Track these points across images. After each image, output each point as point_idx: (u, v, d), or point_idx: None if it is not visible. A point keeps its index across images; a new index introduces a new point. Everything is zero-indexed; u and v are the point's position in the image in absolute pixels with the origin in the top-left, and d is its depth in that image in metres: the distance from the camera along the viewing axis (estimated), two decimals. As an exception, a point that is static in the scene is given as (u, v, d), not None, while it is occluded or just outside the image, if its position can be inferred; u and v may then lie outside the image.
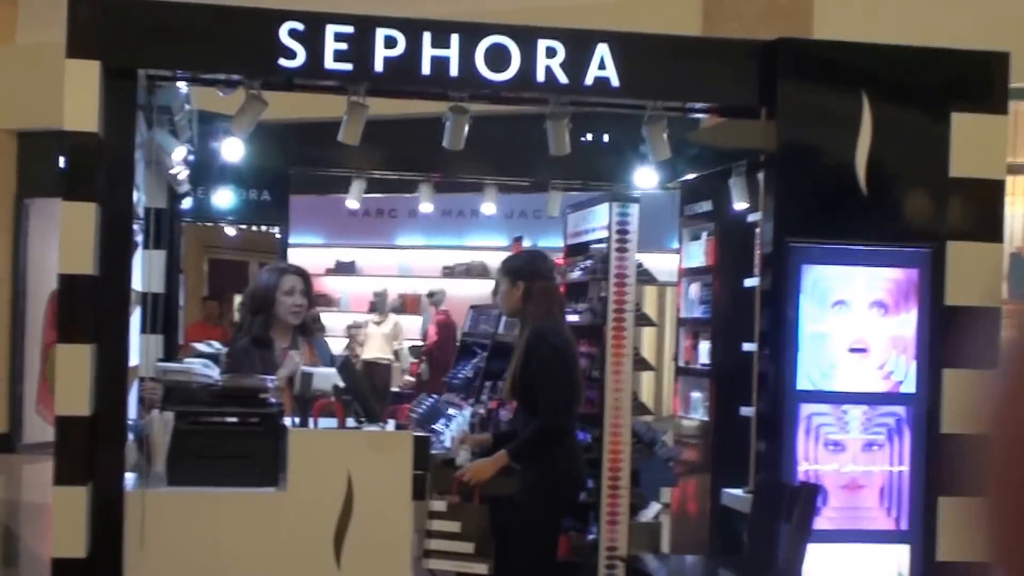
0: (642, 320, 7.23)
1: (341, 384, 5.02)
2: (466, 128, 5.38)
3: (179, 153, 6.21)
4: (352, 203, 8.40)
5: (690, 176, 7.28)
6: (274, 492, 4.81)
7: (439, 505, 5.35)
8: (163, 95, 5.66)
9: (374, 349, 14.10)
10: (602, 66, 5.18)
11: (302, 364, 5.39)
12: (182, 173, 6.90)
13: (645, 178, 7.40)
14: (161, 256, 7.38)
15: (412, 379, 13.69)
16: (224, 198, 8.25)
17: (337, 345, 14.56)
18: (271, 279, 5.65)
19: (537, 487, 5.35)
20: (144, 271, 5.54)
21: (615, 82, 5.19)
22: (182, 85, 5.55)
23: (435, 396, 8.45)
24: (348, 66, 5.04)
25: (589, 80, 5.18)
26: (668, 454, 7.16)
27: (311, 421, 5.05)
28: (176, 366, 5.18)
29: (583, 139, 7.62)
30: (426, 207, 8.26)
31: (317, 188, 10.82)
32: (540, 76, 5.15)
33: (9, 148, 13.66)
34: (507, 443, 5.47)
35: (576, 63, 5.16)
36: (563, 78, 5.17)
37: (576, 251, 7.55)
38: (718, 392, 6.95)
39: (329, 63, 5.01)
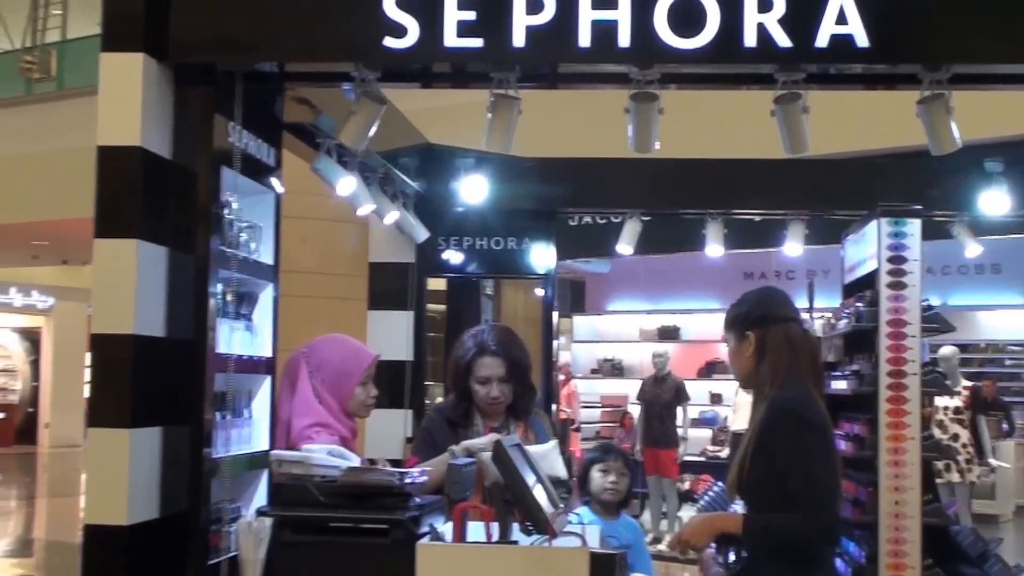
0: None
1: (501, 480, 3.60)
2: (656, 123, 3.84)
3: (346, 185, 5.09)
4: (625, 248, 7.00)
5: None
6: (405, 629, 3.45)
7: None
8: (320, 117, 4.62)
9: (743, 419, 12.65)
10: (842, 19, 3.57)
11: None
12: (389, 216, 5.87)
13: (994, 203, 5.63)
14: (405, 317, 6.48)
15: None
16: (478, 248, 7.12)
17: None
18: (466, 356, 4.33)
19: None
20: (275, 331, 4.33)
21: (862, 41, 3.58)
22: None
23: (721, 483, 6.76)
24: (477, 42, 3.66)
25: (823, 40, 3.60)
26: (1006, 574, 5.10)
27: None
28: (291, 455, 3.86)
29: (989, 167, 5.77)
30: (714, 250, 6.72)
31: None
32: (750, 39, 3.59)
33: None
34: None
35: (804, 17, 3.60)
36: (783, 40, 3.59)
37: (850, 291, 5.65)
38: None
39: (451, 39, 3.66)
